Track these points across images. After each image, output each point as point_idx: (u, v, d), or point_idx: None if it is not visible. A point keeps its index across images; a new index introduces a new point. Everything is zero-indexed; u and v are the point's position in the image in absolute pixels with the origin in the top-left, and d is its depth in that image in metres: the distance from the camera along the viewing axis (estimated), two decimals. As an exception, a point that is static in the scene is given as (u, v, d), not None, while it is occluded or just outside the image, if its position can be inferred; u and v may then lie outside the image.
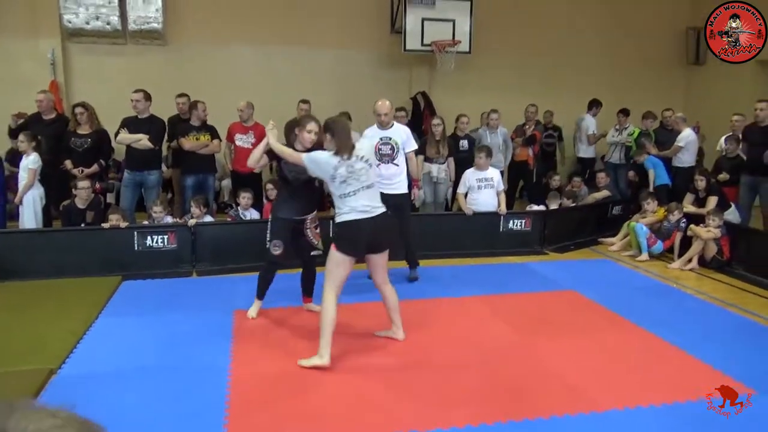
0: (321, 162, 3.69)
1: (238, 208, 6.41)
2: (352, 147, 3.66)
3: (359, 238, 3.64)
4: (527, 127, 8.14)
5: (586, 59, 10.36)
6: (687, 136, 7.64)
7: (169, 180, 7.67)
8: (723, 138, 7.47)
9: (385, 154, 5.11)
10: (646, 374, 3.58)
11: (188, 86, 7.66)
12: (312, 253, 4.46)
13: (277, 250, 4.27)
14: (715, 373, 3.58)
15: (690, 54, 10.83)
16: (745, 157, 6.85)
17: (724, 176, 6.89)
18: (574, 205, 7.52)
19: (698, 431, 2.94)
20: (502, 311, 4.67)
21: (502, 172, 7.36)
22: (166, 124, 6.77)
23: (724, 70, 10.19)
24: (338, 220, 3.71)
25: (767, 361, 3.81)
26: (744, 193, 6.79)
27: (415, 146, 5.45)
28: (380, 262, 3.84)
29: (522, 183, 8.67)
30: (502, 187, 6.65)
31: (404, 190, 5.21)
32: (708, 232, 6.02)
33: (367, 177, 3.66)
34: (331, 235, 4.77)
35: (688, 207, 6.67)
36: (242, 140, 6.98)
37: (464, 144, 7.52)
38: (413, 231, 5.51)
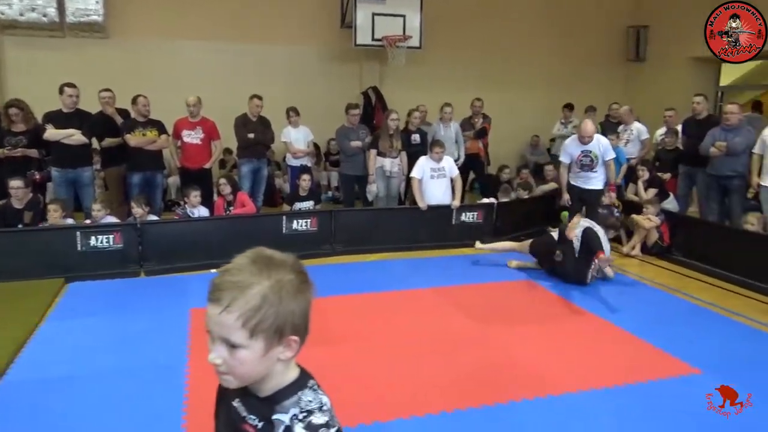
0: None
1: (186, 205, 6.23)
2: None
3: None
4: (475, 120, 8.27)
5: (533, 55, 10.62)
6: (643, 128, 7.89)
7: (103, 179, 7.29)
8: (659, 131, 7.79)
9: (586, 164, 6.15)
10: (598, 358, 3.71)
11: (131, 81, 7.40)
12: None
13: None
14: (663, 355, 3.74)
15: (630, 51, 11.26)
16: (682, 149, 7.17)
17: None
18: (528, 196, 7.70)
19: (647, 410, 3.06)
20: (460, 302, 4.73)
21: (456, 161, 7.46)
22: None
23: (662, 66, 10.68)
24: None
25: (709, 341, 4.01)
26: (682, 183, 7.12)
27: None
28: None
29: (473, 176, 8.80)
30: (456, 172, 6.73)
31: None
32: (648, 221, 6.29)
33: None
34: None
35: (631, 196, 6.94)
36: (190, 136, 6.80)
37: (416, 138, 7.57)
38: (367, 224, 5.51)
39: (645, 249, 6.35)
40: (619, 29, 11.26)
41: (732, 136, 6.20)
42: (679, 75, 10.31)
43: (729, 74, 10.70)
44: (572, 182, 6.40)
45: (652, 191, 6.81)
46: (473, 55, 10.21)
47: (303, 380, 1.08)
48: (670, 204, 6.88)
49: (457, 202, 6.66)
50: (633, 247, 6.37)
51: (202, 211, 6.20)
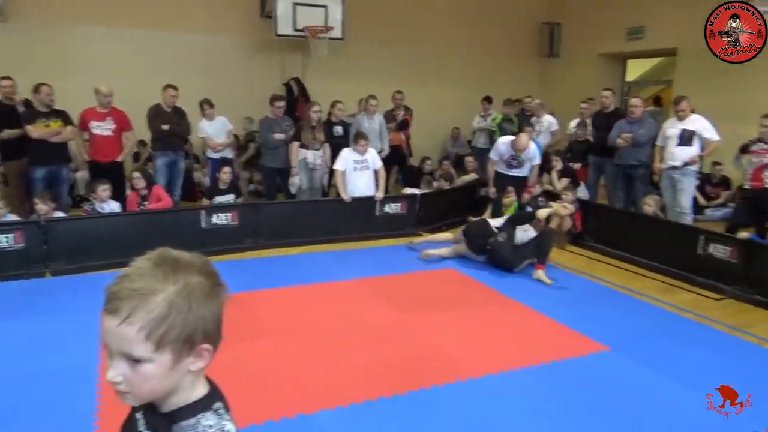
0: None
1: (94, 201, 5.88)
2: None
3: None
4: (396, 112, 8.34)
5: (453, 48, 10.84)
6: (553, 121, 8.28)
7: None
8: (572, 122, 8.18)
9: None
10: (516, 340, 3.85)
11: (33, 68, 6.92)
12: None
13: None
14: (576, 334, 3.94)
15: (545, 46, 11.72)
16: (592, 140, 7.56)
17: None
18: (449, 187, 7.86)
19: (562, 387, 3.21)
20: (384, 292, 4.77)
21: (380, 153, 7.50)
22: None
23: (574, 62, 11.20)
24: None
25: (617, 320, 4.27)
26: (592, 172, 7.52)
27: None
28: None
29: (397, 167, 8.88)
30: (379, 164, 6.78)
31: None
32: (565, 208, 6.58)
33: None
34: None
35: (546, 185, 7.25)
36: (100, 128, 6.43)
37: (338, 130, 7.54)
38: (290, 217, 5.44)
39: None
40: (535, 25, 11.69)
41: (636, 128, 6.61)
42: (589, 70, 10.86)
43: (634, 70, 11.39)
44: (498, 170, 6.69)
45: (565, 180, 7.14)
46: (395, 47, 10.28)
47: (209, 401, 0.96)
48: (581, 192, 7.25)
49: (380, 194, 6.70)
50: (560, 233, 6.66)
51: (113, 206, 5.88)
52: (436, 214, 7.14)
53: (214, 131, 7.54)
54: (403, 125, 8.32)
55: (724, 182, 8.02)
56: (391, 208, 6.83)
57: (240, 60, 9.41)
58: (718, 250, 5.20)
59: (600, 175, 7.46)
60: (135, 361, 0.87)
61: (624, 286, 5.18)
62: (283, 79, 9.63)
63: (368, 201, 6.65)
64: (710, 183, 8.03)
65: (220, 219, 5.95)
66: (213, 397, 0.97)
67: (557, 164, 7.35)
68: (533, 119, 8.31)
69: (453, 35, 10.81)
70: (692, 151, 6.17)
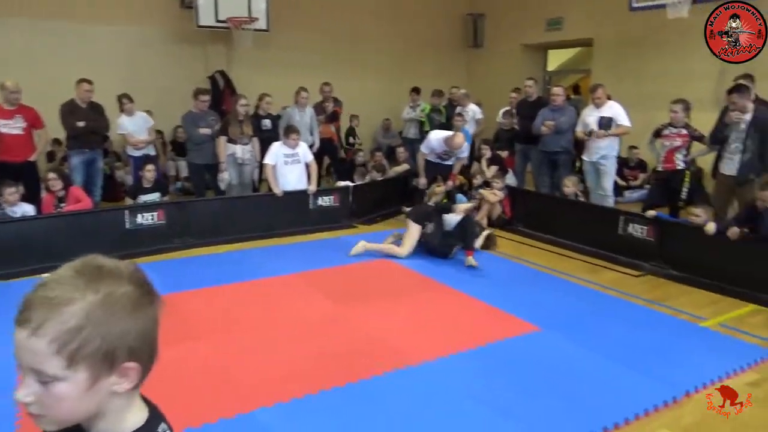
0: None
1: (2, 204, 5.47)
2: None
3: None
4: (326, 105, 8.27)
5: (380, 40, 10.86)
6: (477, 110, 8.47)
7: None
8: (500, 111, 8.40)
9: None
10: (453, 326, 3.93)
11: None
12: None
13: None
14: (509, 317, 4.06)
15: (469, 37, 11.95)
16: (518, 129, 7.79)
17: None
18: (382, 178, 7.88)
19: (498, 369, 3.30)
20: (320, 285, 4.73)
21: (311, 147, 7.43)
22: None
23: (498, 52, 11.49)
24: None
25: (546, 301, 4.43)
26: (518, 160, 7.75)
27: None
28: None
29: (329, 160, 8.82)
30: (310, 158, 6.71)
31: None
32: (494, 195, 6.77)
33: None
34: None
35: (475, 173, 7.42)
36: (8, 126, 6.02)
37: (267, 123, 7.40)
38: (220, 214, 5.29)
39: (490, 222, 6.82)
40: (459, 17, 11.90)
41: (558, 116, 6.86)
42: (513, 60, 11.18)
43: (554, 60, 11.82)
44: (429, 159, 6.85)
45: (494, 168, 7.33)
46: (322, 38, 10.18)
47: (151, 426, 0.86)
48: (510, 179, 7.47)
49: (313, 187, 6.64)
50: (480, 220, 6.82)
51: (26, 209, 5.50)
52: (369, 205, 7.16)
53: (134, 127, 7.21)
54: (333, 117, 8.26)
55: (641, 165, 8.50)
56: (325, 201, 6.78)
57: (160, 53, 9.03)
58: (637, 230, 5.51)
59: (526, 162, 7.71)
60: (46, 379, 0.78)
61: (552, 267, 5.39)
62: (207, 72, 9.34)
63: (301, 195, 6.58)
64: (628, 166, 8.47)
65: (145, 219, 5.71)
66: (156, 421, 0.88)
67: (486, 152, 7.53)
68: (458, 109, 8.48)
69: (380, 27, 10.82)
70: (612, 142, 6.46)
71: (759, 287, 4.49)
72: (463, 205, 6.05)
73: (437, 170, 6.91)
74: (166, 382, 3.03)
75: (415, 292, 4.67)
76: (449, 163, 6.86)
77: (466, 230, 5.48)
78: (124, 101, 7.19)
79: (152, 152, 7.36)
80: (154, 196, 6.34)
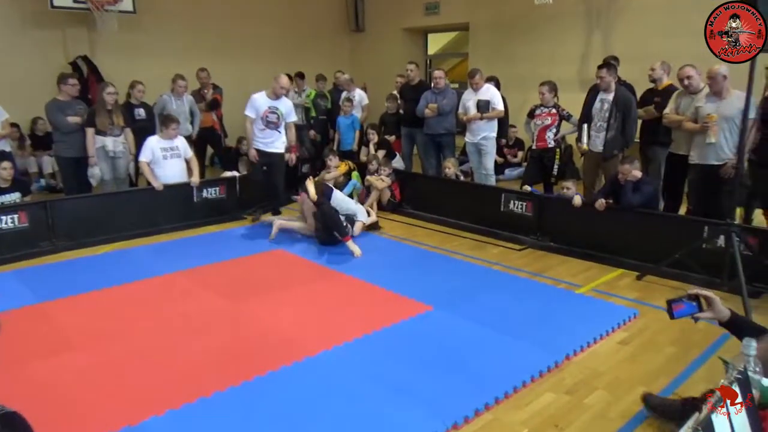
0: None
1: None
2: None
3: None
4: (205, 92, 7.88)
5: (258, 25, 10.50)
6: (363, 95, 8.47)
7: None
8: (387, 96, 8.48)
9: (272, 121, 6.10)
10: (347, 313, 3.93)
11: None
12: None
13: None
14: (401, 298, 4.13)
15: (351, 21, 11.91)
16: (402, 112, 7.91)
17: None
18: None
19: (394, 351, 3.35)
20: (210, 281, 4.53)
21: (189, 137, 7.06)
22: None
23: (379, 36, 11.57)
24: None
25: (437, 281, 4.56)
26: (405, 143, 7.88)
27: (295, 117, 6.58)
28: None
29: (211, 150, 8.45)
30: (190, 154, 6.39)
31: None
32: (381, 181, 6.85)
33: None
34: None
35: (363, 158, 7.46)
36: None
37: (140, 113, 6.93)
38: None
39: (381, 206, 6.91)
40: (340, 1, 11.79)
41: (441, 99, 7.05)
42: (395, 44, 11.31)
43: (434, 44, 12.11)
44: (256, 143, 6.27)
45: (381, 152, 7.40)
46: (196, 21, 9.67)
47: None
48: (397, 163, 7.59)
49: (196, 179, 6.33)
50: (370, 206, 6.87)
51: None
52: (257, 196, 6.94)
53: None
54: (214, 105, 7.90)
55: (518, 144, 8.98)
56: (210, 193, 6.50)
57: (10, 35, 8.11)
58: (517, 206, 5.83)
59: (413, 145, 7.85)
60: None
61: (441, 247, 5.56)
62: (68, 58, 8.54)
63: (184, 188, 6.25)
64: (507, 146, 8.91)
65: (5, 223, 5.15)
66: None
67: (373, 137, 7.58)
68: (344, 94, 8.44)
69: (258, 9, 10.46)
70: (491, 123, 6.75)
71: (623, 253, 4.94)
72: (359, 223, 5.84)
73: (268, 159, 6.26)
74: (37, 400, 2.78)
75: (308, 281, 4.61)
76: (279, 131, 6.25)
77: (326, 220, 5.39)
78: (-30, 92, 6.38)
79: (7, 148, 6.61)
80: (14, 197, 5.72)
